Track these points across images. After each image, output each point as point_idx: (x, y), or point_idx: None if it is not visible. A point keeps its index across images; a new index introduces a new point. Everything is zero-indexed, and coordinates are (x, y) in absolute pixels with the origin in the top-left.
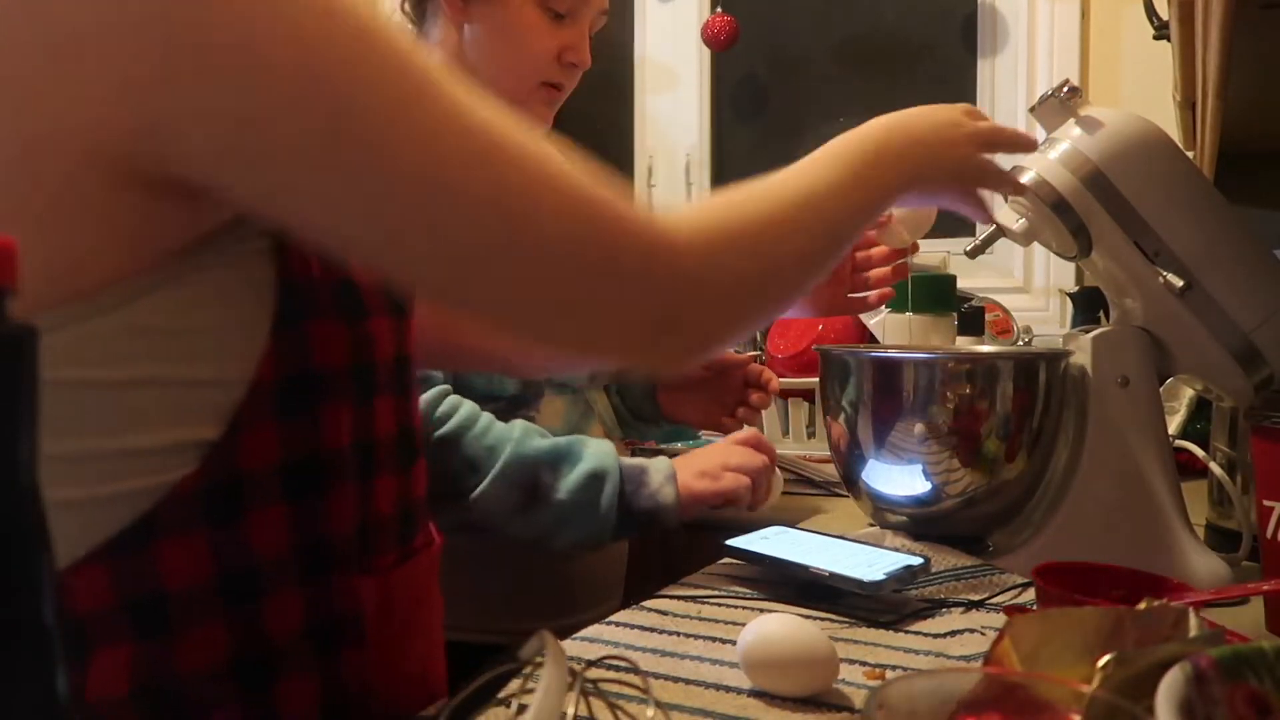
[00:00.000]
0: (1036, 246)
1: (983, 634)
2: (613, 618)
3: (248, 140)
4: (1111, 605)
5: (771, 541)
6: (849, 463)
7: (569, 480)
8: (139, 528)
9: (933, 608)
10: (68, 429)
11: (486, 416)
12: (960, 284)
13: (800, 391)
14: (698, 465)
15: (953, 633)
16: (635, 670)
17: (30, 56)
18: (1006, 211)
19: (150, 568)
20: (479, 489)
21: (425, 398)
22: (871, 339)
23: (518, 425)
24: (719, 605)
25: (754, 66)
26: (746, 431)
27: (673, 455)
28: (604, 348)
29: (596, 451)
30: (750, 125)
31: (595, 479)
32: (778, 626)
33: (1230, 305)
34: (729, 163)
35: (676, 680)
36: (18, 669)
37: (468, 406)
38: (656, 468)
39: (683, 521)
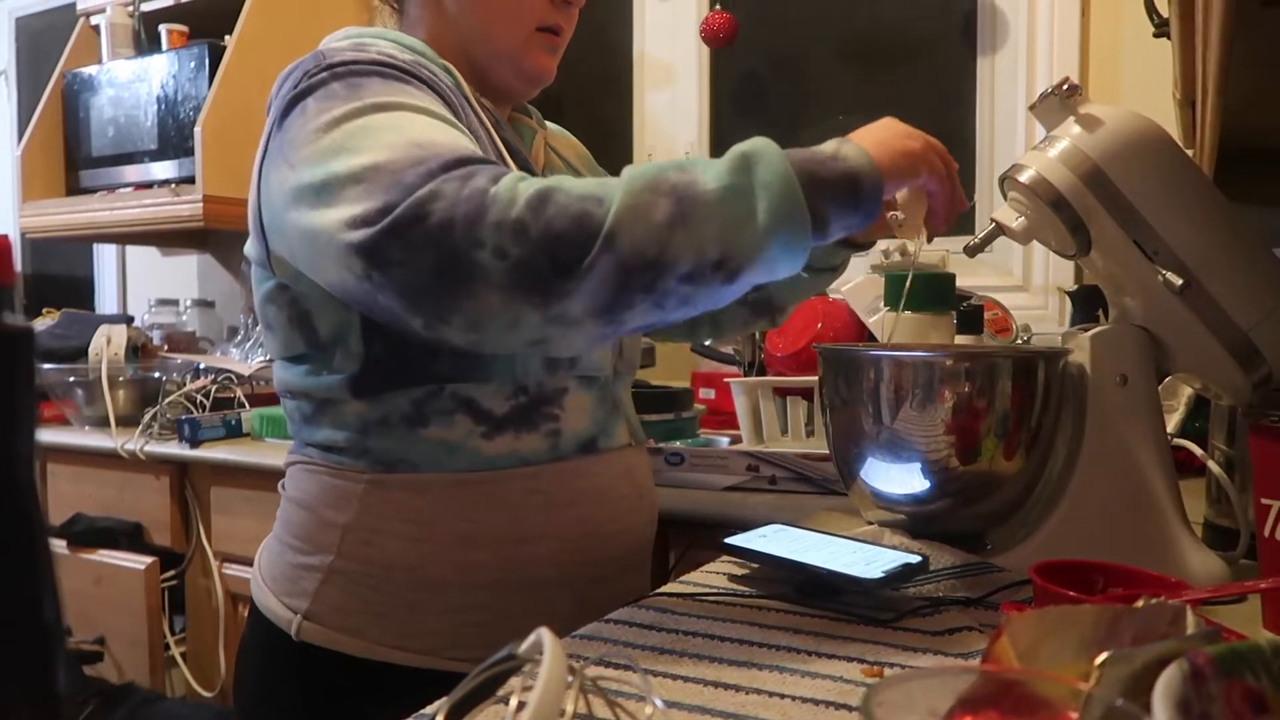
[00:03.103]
0: (1035, 245)
1: (981, 632)
2: (611, 615)
3: None
4: (1109, 603)
5: (770, 540)
6: (848, 461)
7: (713, 170)
8: None
9: (931, 605)
10: None
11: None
12: (959, 282)
13: (799, 390)
14: (875, 133)
15: (951, 630)
16: (634, 668)
17: None
18: (1006, 210)
19: None
20: (613, 212)
21: (504, 180)
22: (870, 337)
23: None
24: (717, 603)
25: (753, 63)
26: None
27: (675, 454)
28: None
29: (734, 147)
30: (750, 122)
31: (745, 156)
32: None
33: (1229, 303)
34: None
35: (675, 678)
36: (17, 665)
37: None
38: (825, 143)
39: (884, 187)
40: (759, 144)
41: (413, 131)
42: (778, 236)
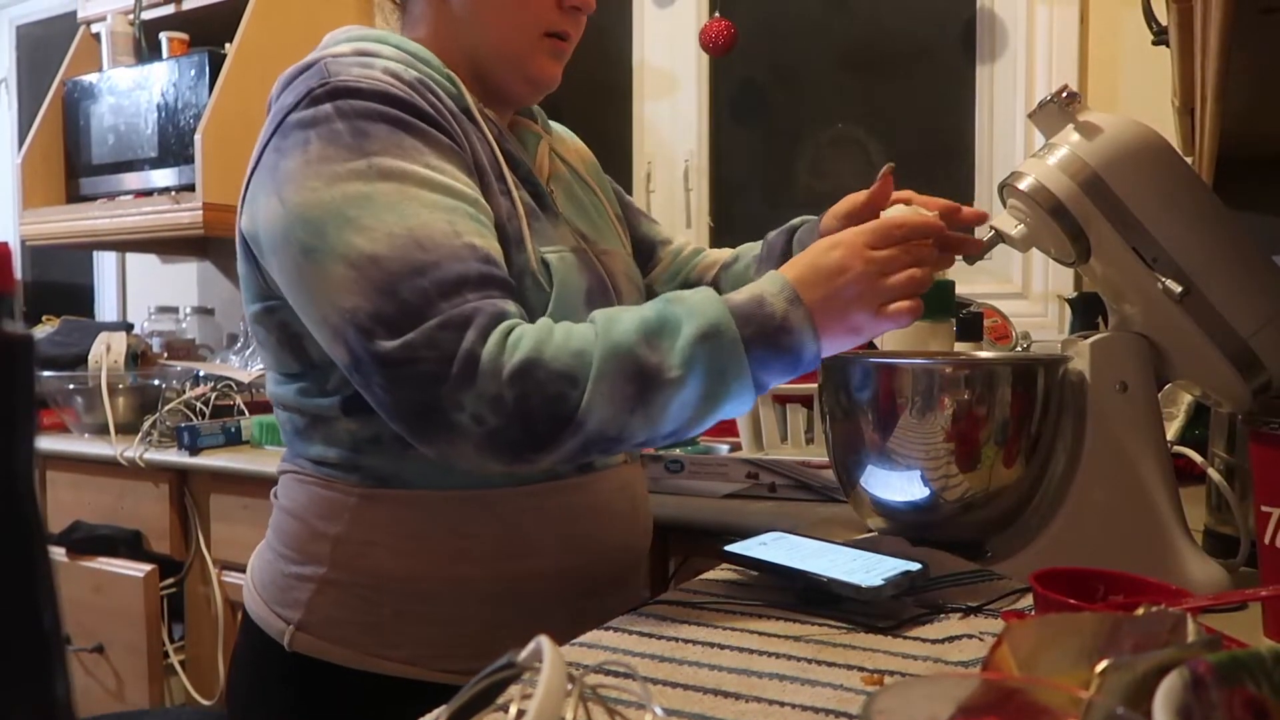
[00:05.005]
0: (1035, 252)
1: (981, 639)
2: (611, 623)
3: None
4: (1109, 611)
5: (770, 547)
6: (848, 468)
7: (676, 350)
8: None
9: (931, 613)
10: None
11: (560, 325)
12: (959, 289)
13: (799, 397)
14: (831, 283)
15: (951, 638)
16: (634, 676)
17: None
18: (1005, 217)
19: None
20: (585, 399)
21: (492, 339)
22: (869, 345)
23: (596, 314)
24: (717, 611)
25: (752, 72)
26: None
27: (674, 461)
28: None
29: (693, 307)
30: (749, 131)
31: (706, 339)
32: None
33: (1228, 311)
34: (727, 168)
35: (675, 686)
36: (16, 673)
37: (535, 326)
38: (771, 288)
39: (821, 357)
40: (718, 322)
41: (416, 218)
42: (725, 407)
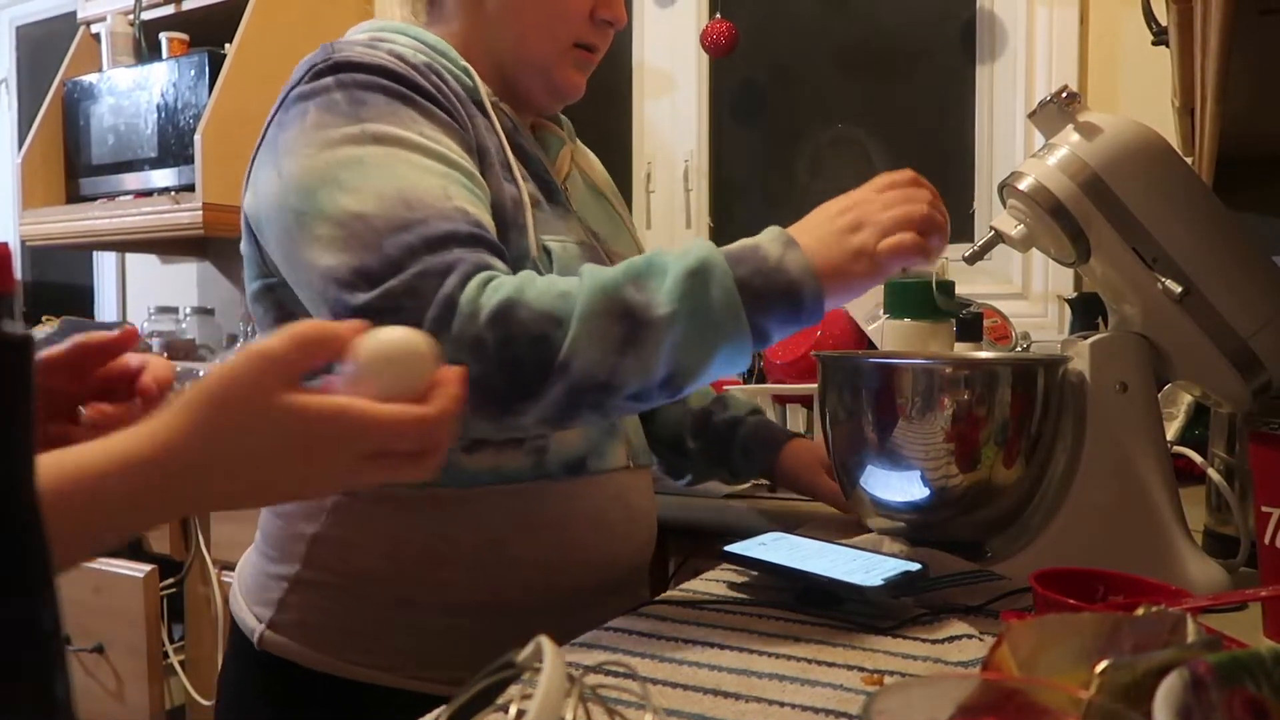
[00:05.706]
0: (1035, 252)
1: (981, 640)
2: (611, 623)
3: None
4: (1109, 611)
5: (770, 548)
6: (847, 468)
7: (665, 289)
8: None
9: (931, 613)
10: None
11: (545, 277)
12: (958, 290)
13: (798, 397)
14: (821, 228)
15: (951, 638)
16: (634, 676)
17: None
18: (1005, 217)
19: None
20: (569, 338)
21: (471, 284)
22: (870, 345)
23: (584, 268)
24: (717, 611)
25: (752, 72)
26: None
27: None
28: None
29: (683, 249)
30: (749, 131)
31: (695, 275)
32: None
33: (1228, 311)
34: (727, 168)
35: (675, 686)
36: (16, 671)
37: (518, 275)
38: (766, 236)
39: (824, 298)
40: (708, 258)
41: (405, 180)
42: (721, 354)
